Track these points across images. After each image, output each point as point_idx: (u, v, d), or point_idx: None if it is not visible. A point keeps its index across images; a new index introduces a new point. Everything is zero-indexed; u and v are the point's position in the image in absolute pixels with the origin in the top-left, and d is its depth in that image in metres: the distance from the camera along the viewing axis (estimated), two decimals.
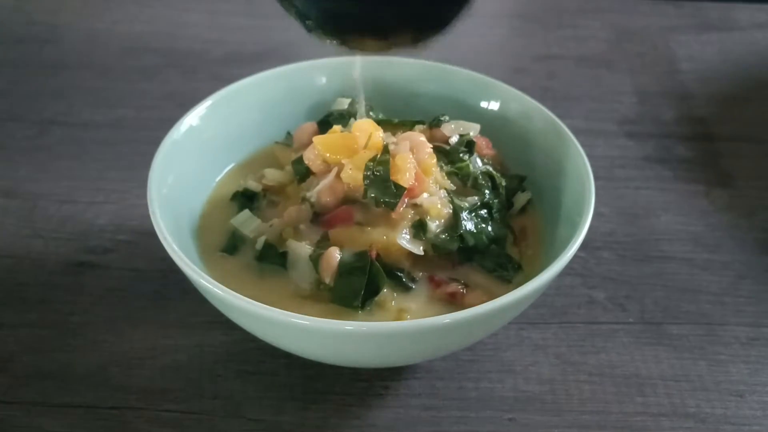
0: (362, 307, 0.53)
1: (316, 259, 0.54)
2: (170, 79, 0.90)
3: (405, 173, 0.54)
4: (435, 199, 0.56)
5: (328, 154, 0.56)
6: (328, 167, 0.57)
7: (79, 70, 0.92)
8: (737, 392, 0.58)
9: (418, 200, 0.55)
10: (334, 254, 0.53)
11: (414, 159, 0.55)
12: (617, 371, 0.59)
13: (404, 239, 0.54)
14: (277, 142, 0.67)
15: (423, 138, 0.58)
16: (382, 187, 0.54)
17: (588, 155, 0.58)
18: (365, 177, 0.54)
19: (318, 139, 0.57)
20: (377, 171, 0.54)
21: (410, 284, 0.55)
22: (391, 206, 0.54)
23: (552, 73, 0.94)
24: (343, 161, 0.56)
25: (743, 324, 0.63)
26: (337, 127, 0.59)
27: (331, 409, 0.56)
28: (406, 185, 0.54)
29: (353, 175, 0.55)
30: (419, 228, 0.55)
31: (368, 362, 0.55)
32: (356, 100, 0.65)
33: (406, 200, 0.55)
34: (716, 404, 0.57)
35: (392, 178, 0.54)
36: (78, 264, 0.66)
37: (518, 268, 0.57)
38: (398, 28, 0.50)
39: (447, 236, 0.55)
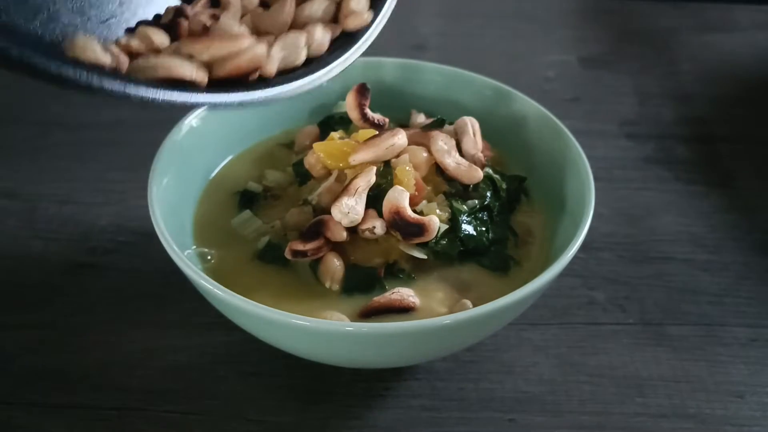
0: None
1: (314, 265, 0.54)
2: None
3: (405, 184, 0.54)
4: (434, 205, 0.56)
5: (328, 161, 0.56)
6: (328, 172, 0.57)
7: None
8: (737, 393, 0.58)
9: (417, 207, 0.55)
10: (333, 260, 0.53)
11: (413, 169, 0.56)
12: (617, 372, 0.59)
13: (406, 244, 0.54)
14: (278, 143, 0.67)
15: (425, 153, 0.57)
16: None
17: (588, 156, 0.58)
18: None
19: (318, 146, 0.57)
20: (379, 183, 0.55)
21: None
22: None
23: (552, 73, 0.95)
24: (345, 171, 0.56)
25: (743, 325, 0.63)
26: (334, 134, 0.59)
27: (332, 409, 0.56)
28: None
29: None
30: None
31: (368, 363, 0.55)
32: None
33: None
34: (716, 405, 0.57)
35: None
36: (78, 265, 0.66)
37: (519, 268, 0.57)
38: None
39: (447, 241, 0.55)
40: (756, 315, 0.64)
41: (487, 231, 0.57)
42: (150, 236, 0.51)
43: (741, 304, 0.65)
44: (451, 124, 0.62)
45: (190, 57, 0.45)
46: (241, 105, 0.46)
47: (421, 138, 0.59)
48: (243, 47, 0.46)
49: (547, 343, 0.61)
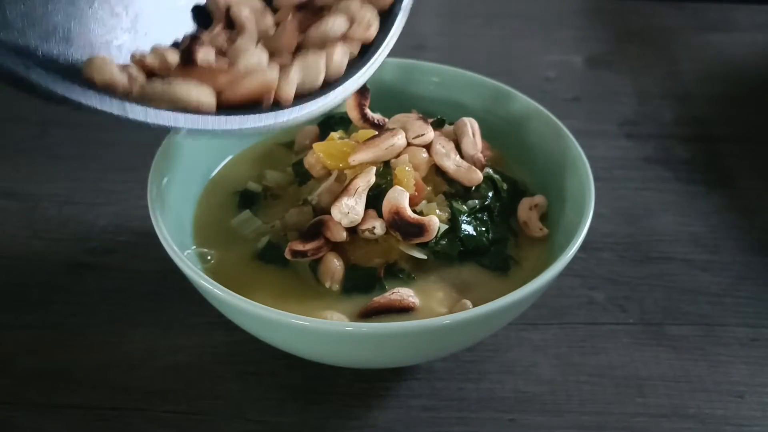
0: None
1: (313, 265, 0.54)
2: None
3: (404, 184, 0.54)
4: (433, 205, 0.56)
5: (328, 161, 0.57)
6: (328, 172, 0.57)
7: None
8: (737, 393, 0.58)
9: (417, 207, 0.55)
10: (333, 260, 0.53)
11: (413, 169, 0.56)
12: (617, 372, 0.59)
13: (406, 245, 0.54)
14: (277, 143, 0.67)
15: (424, 154, 0.57)
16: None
17: (588, 156, 0.58)
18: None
19: (318, 146, 0.57)
20: (379, 184, 0.55)
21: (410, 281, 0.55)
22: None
23: (552, 73, 0.95)
24: (345, 171, 0.56)
25: (743, 325, 0.63)
26: (334, 134, 0.59)
27: (332, 409, 0.56)
28: None
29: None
30: None
31: (368, 363, 0.55)
32: None
33: None
34: (716, 405, 0.57)
35: None
36: (78, 265, 0.66)
37: (519, 268, 0.57)
38: None
39: (447, 241, 0.55)
40: (756, 315, 0.64)
41: (487, 231, 0.57)
42: (150, 236, 0.51)
43: (741, 304, 0.65)
44: (451, 124, 0.62)
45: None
46: (251, 131, 0.46)
47: None
48: (241, 73, 0.46)
49: (546, 343, 0.61)
